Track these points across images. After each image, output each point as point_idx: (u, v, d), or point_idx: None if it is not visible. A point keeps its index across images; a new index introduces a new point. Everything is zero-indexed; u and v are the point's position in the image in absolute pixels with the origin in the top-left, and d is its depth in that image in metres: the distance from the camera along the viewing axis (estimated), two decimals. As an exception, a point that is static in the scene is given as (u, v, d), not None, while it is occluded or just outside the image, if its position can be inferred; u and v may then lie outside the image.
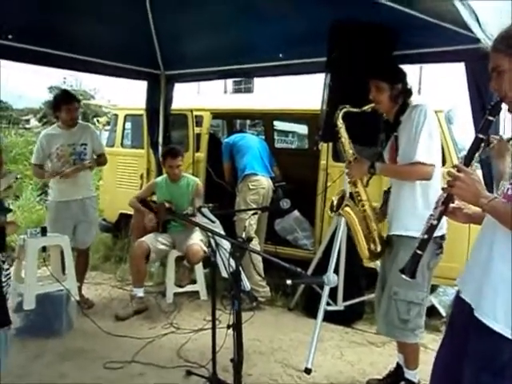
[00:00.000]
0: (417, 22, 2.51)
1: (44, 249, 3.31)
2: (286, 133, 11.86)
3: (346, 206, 2.56)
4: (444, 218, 2.23)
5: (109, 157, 4.06)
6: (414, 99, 2.44)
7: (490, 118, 1.36)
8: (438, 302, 3.66)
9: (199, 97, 7.63)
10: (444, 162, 3.29)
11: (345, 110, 2.49)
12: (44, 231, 3.33)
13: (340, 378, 2.78)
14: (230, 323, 1.88)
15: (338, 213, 2.63)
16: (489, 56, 1.38)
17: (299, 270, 1.70)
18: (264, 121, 6.15)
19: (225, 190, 4.53)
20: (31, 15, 3.17)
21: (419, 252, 1.44)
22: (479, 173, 2.55)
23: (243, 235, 3.23)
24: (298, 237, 4.39)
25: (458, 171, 1.32)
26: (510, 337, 1.26)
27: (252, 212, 3.66)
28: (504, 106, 1.40)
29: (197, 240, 3.75)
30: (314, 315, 3.07)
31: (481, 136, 1.37)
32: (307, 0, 2.99)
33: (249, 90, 15.59)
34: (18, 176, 3.29)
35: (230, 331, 1.89)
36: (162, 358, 2.91)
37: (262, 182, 4.00)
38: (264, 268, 3.76)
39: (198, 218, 2.24)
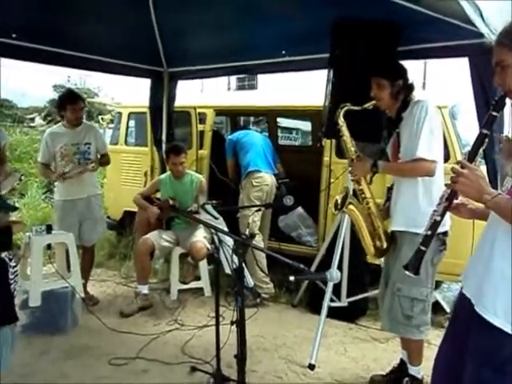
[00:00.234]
0: (420, 16, 2.50)
1: (49, 246, 3.34)
2: (289, 129, 11.82)
3: (350, 203, 2.55)
4: (447, 215, 2.24)
5: (113, 155, 4.08)
6: (418, 95, 2.43)
7: (494, 113, 1.35)
8: (443, 298, 3.65)
9: (202, 94, 7.64)
10: (448, 158, 3.28)
11: (346, 108, 2.48)
12: (49, 229, 3.36)
13: (344, 374, 2.78)
14: (234, 319, 1.89)
15: (343, 211, 2.63)
16: (493, 51, 1.37)
17: (302, 266, 1.70)
18: (267, 118, 6.14)
19: (228, 187, 4.54)
20: (35, 14, 3.18)
21: (423, 248, 1.44)
22: (483, 168, 2.55)
23: (246, 232, 3.24)
24: (301, 233, 4.39)
25: (462, 167, 1.31)
26: (510, 332, 1.26)
27: (255, 209, 3.66)
28: (508, 101, 1.39)
29: (201, 237, 3.76)
30: (317, 311, 3.08)
31: (485, 131, 1.36)
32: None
33: (252, 87, 15.58)
34: (23, 177, 3.31)
35: (234, 327, 1.90)
36: (166, 355, 2.93)
37: (265, 179, 4.00)
38: (268, 265, 3.77)
39: (202, 215, 2.25)
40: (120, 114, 5.53)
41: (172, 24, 3.87)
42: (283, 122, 8.64)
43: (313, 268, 3.50)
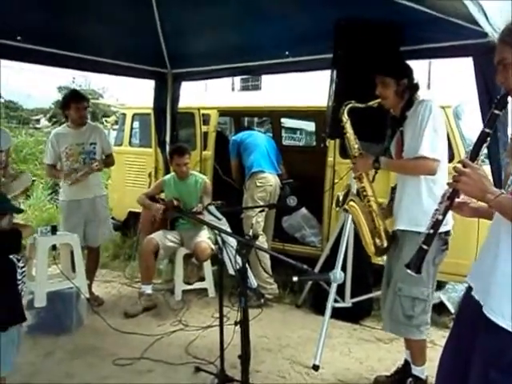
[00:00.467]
0: (424, 16, 2.50)
1: (54, 247, 3.35)
2: (293, 130, 11.81)
3: (351, 200, 2.56)
4: (449, 215, 2.23)
5: (117, 156, 4.09)
6: (423, 94, 2.43)
7: (497, 111, 1.34)
8: (447, 298, 3.63)
9: (206, 95, 7.65)
10: (453, 158, 3.27)
11: (350, 105, 2.49)
12: (54, 230, 3.38)
13: (348, 375, 2.78)
14: (238, 320, 1.90)
15: (344, 208, 2.63)
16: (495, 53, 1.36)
17: (305, 266, 1.70)
18: (272, 118, 6.14)
19: (232, 188, 4.54)
20: (38, 16, 3.20)
21: (425, 247, 1.43)
22: (487, 168, 2.54)
23: (250, 232, 3.25)
24: (305, 234, 4.39)
25: (464, 166, 1.30)
26: (517, 333, 1.25)
27: (259, 209, 3.66)
28: (510, 100, 1.38)
29: (205, 237, 3.77)
30: (321, 312, 3.08)
31: (487, 130, 1.35)
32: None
33: (256, 88, 15.58)
34: (31, 178, 3.35)
35: (238, 328, 1.90)
36: (170, 355, 2.94)
37: (269, 180, 4.00)
38: (272, 265, 3.77)
39: (205, 216, 2.26)
40: (124, 115, 5.56)
41: (175, 25, 3.89)
42: (287, 122, 8.64)
43: (317, 268, 3.50)
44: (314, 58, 3.45)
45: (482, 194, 1.28)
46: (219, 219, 2.07)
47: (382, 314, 2.58)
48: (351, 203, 2.56)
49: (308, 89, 5.48)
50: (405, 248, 2.29)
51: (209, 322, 3.41)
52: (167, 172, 4.38)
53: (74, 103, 3.64)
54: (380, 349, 3.11)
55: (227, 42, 3.74)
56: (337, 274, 1.64)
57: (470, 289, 1.48)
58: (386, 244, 2.46)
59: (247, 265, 1.88)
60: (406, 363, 2.58)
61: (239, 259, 1.86)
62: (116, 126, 7.78)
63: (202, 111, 4.81)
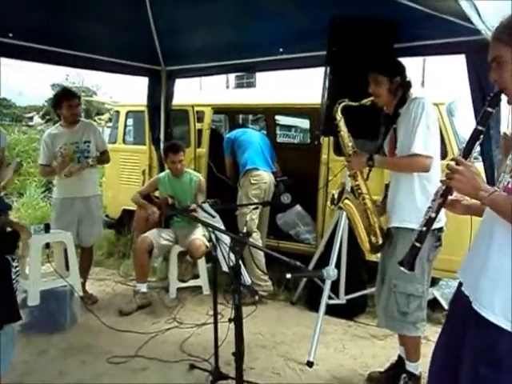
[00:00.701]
0: (417, 14, 2.51)
1: (47, 245, 3.33)
2: (288, 127, 11.81)
3: (346, 198, 2.57)
4: (442, 212, 2.24)
5: (111, 153, 4.07)
6: (417, 91, 2.44)
7: (489, 109, 1.34)
8: (441, 294, 3.65)
9: (200, 92, 7.63)
10: (446, 155, 3.28)
11: (344, 103, 2.49)
12: (47, 228, 3.36)
13: (342, 371, 2.79)
14: (231, 317, 1.90)
15: (339, 206, 2.63)
16: (489, 47, 1.35)
17: (299, 263, 1.70)
18: (266, 115, 6.14)
19: (226, 185, 4.54)
20: (31, 13, 3.16)
21: (418, 244, 1.44)
22: (480, 166, 2.55)
23: (244, 230, 3.25)
24: (300, 231, 4.40)
25: (457, 164, 1.30)
26: (508, 329, 1.26)
27: (253, 207, 3.66)
28: (504, 98, 1.38)
29: (199, 235, 3.76)
30: (316, 309, 3.09)
31: (480, 128, 1.35)
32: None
33: (251, 85, 15.53)
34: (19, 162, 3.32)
35: (233, 325, 1.90)
36: (165, 353, 2.94)
37: (263, 177, 4.00)
38: (266, 263, 3.78)
39: (199, 213, 2.25)
40: (118, 112, 5.53)
41: (169, 22, 3.86)
42: (282, 119, 8.63)
43: (311, 265, 3.51)
44: (308, 55, 3.44)
45: (475, 191, 1.28)
46: (213, 216, 2.06)
47: (377, 311, 2.59)
48: (346, 201, 2.56)
49: (302, 86, 5.48)
50: (399, 245, 2.30)
51: (203, 320, 3.41)
52: (161, 169, 4.37)
53: (65, 101, 3.62)
54: (374, 345, 3.13)
55: (221, 40, 3.72)
56: (330, 271, 1.64)
57: (461, 284, 1.49)
58: (380, 241, 2.47)
59: (241, 262, 1.88)
60: (400, 359, 2.59)
61: (233, 256, 1.86)
62: (110, 124, 7.75)
63: (196, 108, 4.79)
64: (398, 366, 2.58)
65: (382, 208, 2.55)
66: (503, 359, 1.27)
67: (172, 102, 4.56)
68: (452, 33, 2.61)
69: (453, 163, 1.31)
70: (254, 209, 3.72)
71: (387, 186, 2.56)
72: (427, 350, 2.42)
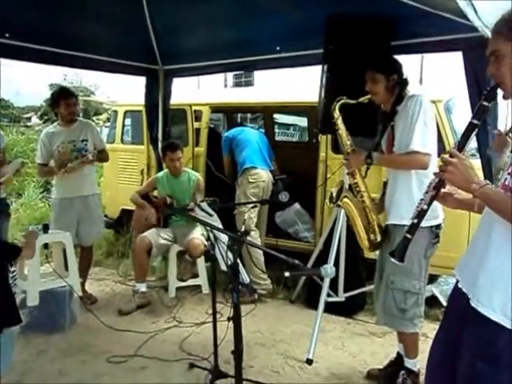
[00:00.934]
0: (414, 11, 2.51)
1: (46, 246, 3.33)
2: (286, 126, 11.83)
3: (345, 197, 2.57)
4: (440, 208, 2.25)
5: (109, 153, 4.06)
6: (415, 89, 2.44)
7: (485, 103, 1.34)
8: (439, 291, 3.67)
9: (198, 91, 7.63)
10: (443, 152, 3.28)
11: (342, 101, 2.49)
12: (46, 228, 3.35)
13: (341, 369, 2.80)
14: (230, 316, 1.90)
15: (337, 204, 2.64)
16: (486, 44, 1.34)
17: (297, 262, 1.70)
18: (264, 114, 6.13)
19: (225, 184, 4.54)
20: (28, 13, 3.15)
21: (408, 236, 1.45)
22: (478, 162, 2.56)
23: (242, 228, 3.25)
24: (298, 229, 4.40)
25: (451, 156, 1.31)
26: (507, 326, 1.26)
27: (252, 205, 3.67)
28: (500, 93, 1.38)
29: (198, 234, 3.76)
30: (315, 307, 3.09)
31: (475, 122, 1.35)
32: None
33: (249, 84, 15.50)
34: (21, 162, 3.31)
35: (232, 324, 1.90)
36: (164, 352, 2.94)
37: (261, 176, 4.00)
38: (265, 261, 3.78)
39: (197, 212, 2.25)
40: (116, 112, 5.53)
41: (166, 21, 3.86)
42: (280, 118, 8.64)
43: (310, 263, 3.51)
44: (305, 53, 3.44)
45: (468, 184, 1.29)
46: (211, 215, 2.06)
47: (376, 308, 2.60)
48: (345, 200, 2.57)
49: (301, 84, 5.48)
50: (396, 242, 2.29)
51: (203, 319, 3.41)
52: (160, 169, 4.37)
53: (63, 100, 3.61)
54: (373, 343, 3.14)
55: (218, 38, 3.72)
56: (328, 269, 1.64)
57: (458, 281, 1.49)
58: (379, 238, 2.48)
59: (239, 260, 1.88)
60: (399, 356, 2.60)
61: (231, 255, 1.86)
62: (108, 124, 7.74)
63: (193, 108, 4.79)
64: (397, 362, 2.59)
65: (380, 205, 2.55)
66: (502, 355, 1.27)
67: (170, 101, 4.56)
68: (449, 30, 2.62)
69: (447, 156, 1.31)
70: (253, 207, 3.73)
71: (385, 184, 2.56)
72: (425, 347, 2.42)
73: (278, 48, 3.56)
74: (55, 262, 3.42)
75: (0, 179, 2.95)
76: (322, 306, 2.98)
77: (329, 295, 3.13)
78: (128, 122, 5.49)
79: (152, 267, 4.25)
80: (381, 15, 2.75)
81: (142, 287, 3.71)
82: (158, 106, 4.51)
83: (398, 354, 2.61)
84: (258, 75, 13.05)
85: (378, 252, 2.64)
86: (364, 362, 2.86)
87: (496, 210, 1.26)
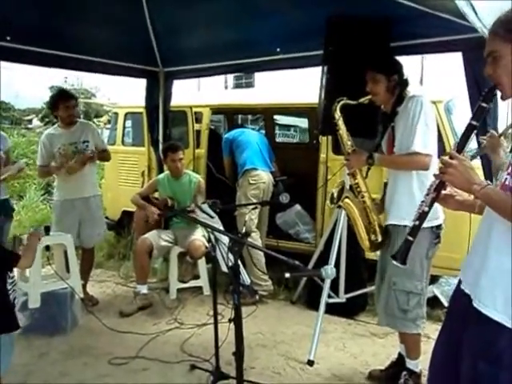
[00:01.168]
0: (414, 12, 2.51)
1: (48, 248, 3.34)
2: (287, 127, 11.85)
3: (346, 197, 2.57)
4: (440, 209, 2.25)
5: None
6: (415, 90, 2.44)
7: (484, 104, 1.34)
8: (441, 292, 3.66)
9: (198, 93, 7.63)
10: (443, 153, 3.28)
11: (342, 102, 2.49)
12: (47, 230, 3.35)
13: (343, 370, 2.79)
14: (231, 317, 1.90)
15: (338, 205, 2.64)
16: (485, 45, 1.34)
17: (297, 263, 1.70)
18: (265, 115, 6.14)
19: (225, 186, 4.54)
20: (28, 16, 3.16)
21: (410, 238, 1.45)
22: (478, 163, 2.56)
23: (243, 230, 3.25)
24: (299, 230, 4.40)
25: (451, 158, 1.31)
26: (508, 325, 1.25)
27: (252, 207, 3.67)
28: (498, 93, 1.38)
29: (199, 236, 3.76)
30: (316, 308, 3.09)
31: (474, 123, 1.35)
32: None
33: (250, 85, 15.52)
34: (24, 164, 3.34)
35: (233, 325, 1.90)
36: (166, 354, 2.94)
37: (262, 177, 4.01)
38: (266, 262, 3.78)
39: (198, 214, 2.26)
40: (116, 114, 5.54)
41: (166, 23, 3.87)
42: (281, 119, 8.65)
43: (311, 264, 3.52)
44: (305, 54, 3.45)
45: (469, 185, 1.29)
46: (212, 217, 2.07)
47: (377, 309, 2.60)
48: (346, 200, 2.57)
49: (301, 85, 5.49)
50: (397, 243, 2.30)
51: (204, 320, 3.42)
52: (160, 171, 4.38)
53: (62, 103, 3.62)
54: (374, 343, 3.13)
55: (218, 40, 3.73)
56: (328, 270, 1.64)
57: (460, 282, 1.49)
58: (380, 239, 2.48)
59: (240, 262, 1.88)
60: (400, 357, 2.60)
61: (232, 256, 1.86)
62: (108, 126, 7.76)
63: (194, 109, 4.80)
64: (399, 363, 2.59)
65: (381, 206, 2.55)
66: (503, 356, 1.27)
67: (170, 103, 4.57)
68: (449, 31, 2.63)
69: (446, 157, 1.32)
70: (253, 209, 3.73)
71: (386, 184, 2.56)
72: (427, 348, 2.42)
73: (278, 49, 3.57)
74: (56, 264, 3.43)
75: (1, 176, 2.96)
76: (322, 306, 2.98)
77: (330, 296, 3.13)
78: (129, 123, 5.50)
79: (153, 269, 4.26)
80: (380, 16, 2.75)
81: (144, 289, 3.71)
82: (158, 108, 4.52)
83: (400, 354, 2.61)
84: (259, 76, 13.10)
85: (378, 253, 2.65)
86: (365, 363, 2.86)
87: (497, 210, 1.26)
